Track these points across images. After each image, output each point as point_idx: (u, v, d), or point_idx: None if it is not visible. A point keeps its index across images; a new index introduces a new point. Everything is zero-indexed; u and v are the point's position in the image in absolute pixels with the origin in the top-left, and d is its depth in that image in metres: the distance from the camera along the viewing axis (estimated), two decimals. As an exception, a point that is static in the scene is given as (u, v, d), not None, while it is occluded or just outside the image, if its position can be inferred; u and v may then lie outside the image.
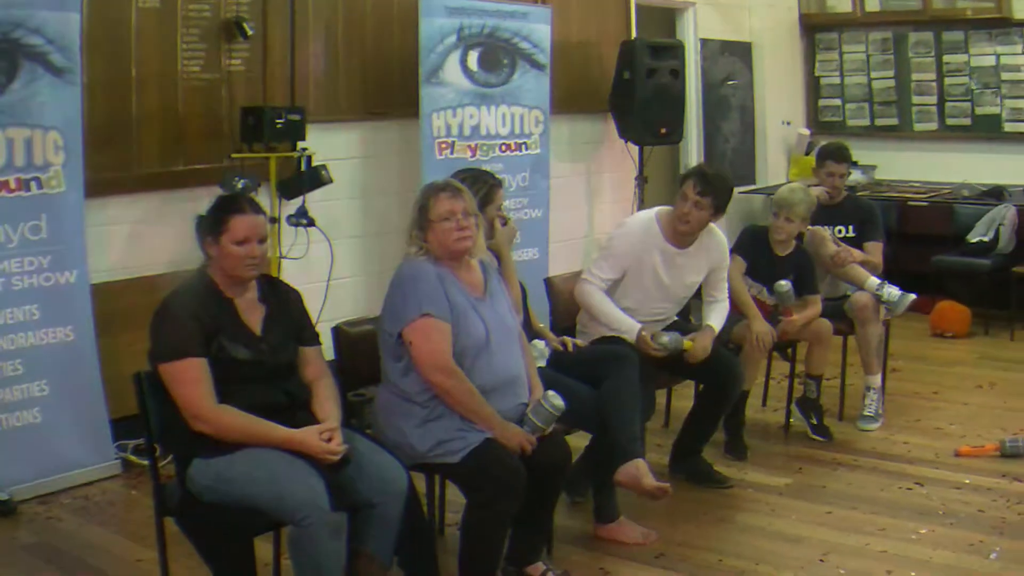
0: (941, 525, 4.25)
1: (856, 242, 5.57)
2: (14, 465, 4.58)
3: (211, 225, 3.27)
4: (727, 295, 4.77)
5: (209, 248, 3.27)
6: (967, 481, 4.71)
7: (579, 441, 4.20)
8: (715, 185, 4.45)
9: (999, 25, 8.55)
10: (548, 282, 4.85)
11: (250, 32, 5.44)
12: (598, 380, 4.06)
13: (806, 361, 5.31)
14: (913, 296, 5.40)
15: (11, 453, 4.58)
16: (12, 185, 4.55)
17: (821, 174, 5.72)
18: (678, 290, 4.65)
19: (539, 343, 4.21)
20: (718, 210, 4.50)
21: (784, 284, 5.01)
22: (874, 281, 5.36)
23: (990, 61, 8.69)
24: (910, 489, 4.64)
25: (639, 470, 3.94)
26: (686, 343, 4.47)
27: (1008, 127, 8.67)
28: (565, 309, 4.73)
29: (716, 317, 4.69)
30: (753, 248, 5.20)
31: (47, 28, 4.56)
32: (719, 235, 4.71)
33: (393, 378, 3.54)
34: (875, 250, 5.56)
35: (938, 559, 3.93)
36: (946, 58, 8.93)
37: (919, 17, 8.97)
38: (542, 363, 4.11)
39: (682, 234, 4.55)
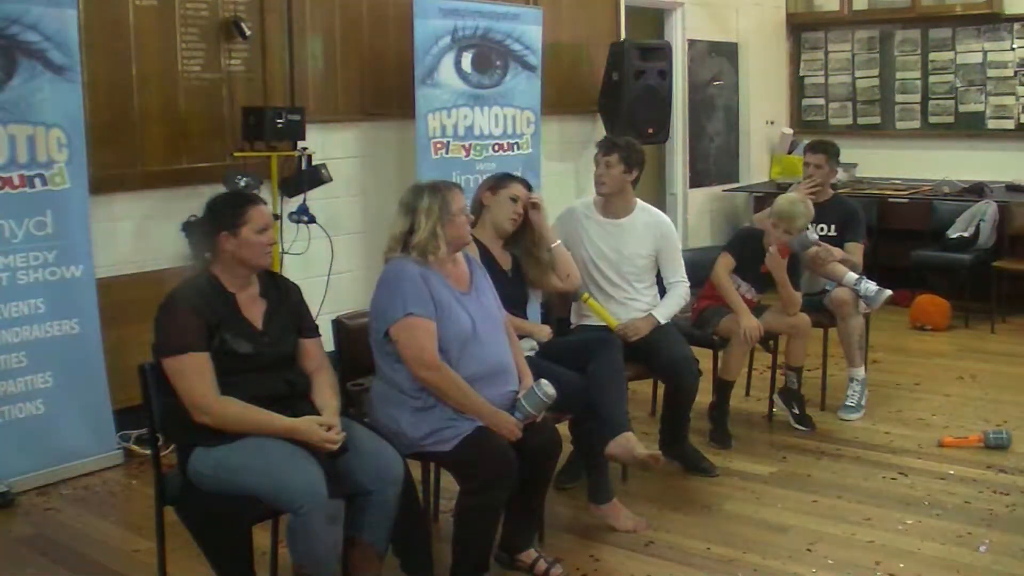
0: (927, 516, 4.27)
1: (837, 242, 5.64)
2: (15, 457, 4.63)
3: (229, 218, 3.32)
4: (684, 279, 4.84)
5: (225, 242, 3.30)
6: (951, 472, 4.74)
7: (567, 430, 4.25)
8: (617, 143, 4.78)
9: (988, 21, 8.65)
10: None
11: (248, 33, 5.52)
12: (584, 366, 4.17)
13: (786, 353, 5.37)
14: (889, 292, 5.48)
15: (13, 445, 4.63)
16: (16, 182, 4.62)
17: (804, 167, 5.88)
18: (623, 263, 4.75)
19: (528, 340, 4.31)
20: (629, 165, 4.72)
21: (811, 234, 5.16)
22: (852, 276, 5.44)
23: (977, 58, 8.80)
24: (894, 479, 4.68)
25: (630, 441, 4.05)
26: (611, 322, 4.64)
27: (991, 124, 8.77)
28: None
29: (664, 307, 4.77)
30: (745, 248, 5.26)
31: (44, 24, 4.60)
32: (662, 215, 4.91)
33: (384, 372, 3.60)
34: (855, 251, 5.63)
35: (927, 550, 3.94)
36: (932, 56, 9.02)
37: (907, 15, 9.07)
38: (531, 354, 4.20)
39: (607, 200, 4.76)
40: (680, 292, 4.83)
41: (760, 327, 5.01)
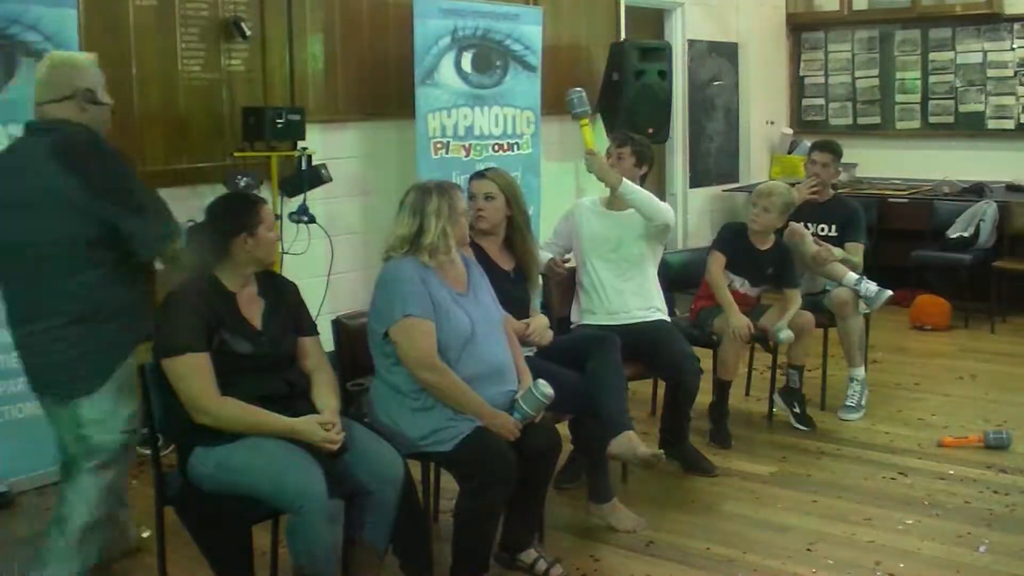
0: (927, 516, 4.29)
1: (838, 242, 5.66)
2: (15, 457, 4.60)
3: (246, 220, 3.32)
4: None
5: (242, 244, 3.30)
6: (951, 472, 4.76)
7: (567, 430, 4.26)
8: (633, 137, 4.92)
9: (988, 21, 8.66)
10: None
11: (248, 32, 5.53)
12: (582, 364, 4.16)
13: (788, 352, 5.37)
14: (889, 293, 5.49)
15: (12, 445, 4.60)
16: (16, 182, 4.62)
17: (808, 166, 5.91)
18: (622, 252, 4.76)
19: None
20: (640, 159, 4.84)
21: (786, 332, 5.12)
22: (852, 276, 5.44)
23: (977, 58, 8.80)
24: (894, 479, 4.69)
25: (631, 441, 4.04)
26: (590, 143, 4.72)
27: (991, 124, 8.78)
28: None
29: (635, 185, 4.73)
30: (733, 243, 5.27)
31: (44, 24, 4.58)
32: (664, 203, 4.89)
33: (383, 372, 3.61)
34: (856, 251, 5.64)
35: (926, 551, 3.96)
36: (932, 56, 9.03)
37: (907, 15, 9.09)
38: (530, 354, 4.20)
39: (615, 192, 4.74)
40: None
41: (749, 324, 5.00)
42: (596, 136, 4.78)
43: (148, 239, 3.44)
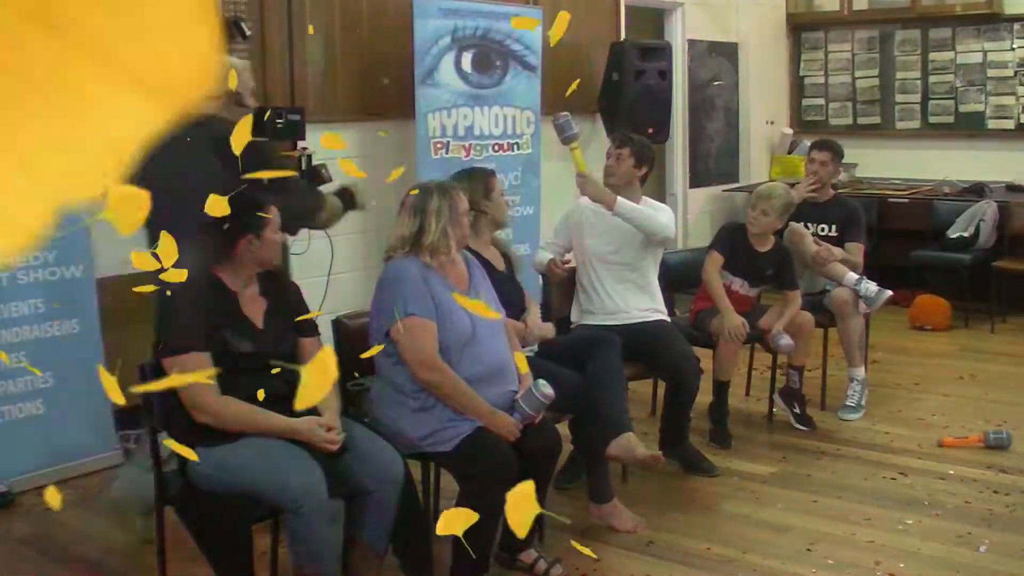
0: (927, 516, 4.28)
1: (838, 242, 5.66)
2: (15, 456, 4.62)
3: (254, 222, 3.32)
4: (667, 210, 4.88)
5: (247, 245, 3.31)
6: (951, 472, 4.75)
7: (567, 430, 4.26)
8: (632, 138, 4.89)
9: (988, 21, 8.66)
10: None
11: (248, 33, 5.52)
12: (582, 365, 4.17)
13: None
14: (889, 293, 5.49)
15: (13, 445, 4.63)
16: (16, 182, 4.62)
17: (808, 165, 5.92)
18: (622, 254, 4.77)
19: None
20: (639, 160, 4.79)
21: (786, 340, 5.11)
22: (852, 276, 5.45)
23: (977, 58, 8.80)
24: (894, 479, 4.69)
25: (631, 442, 4.05)
26: (582, 166, 4.62)
27: (991, 124, 8.78)
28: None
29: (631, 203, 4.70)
30: (731, 243, 5.26)
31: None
32: (662, 205, 4.95)
33: (385, 372, 3.61)
34: (856, 251, 5.64)
35: (927, 551, 3.96)
36: (932, 56, 9.03)
37: (907, 15, 9.08)
38: (530, 354, 4.21)
39: (615, 191, 4.71)
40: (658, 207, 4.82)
41: (744, 324, 5.00)
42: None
43: (289, 216, 3.65)
